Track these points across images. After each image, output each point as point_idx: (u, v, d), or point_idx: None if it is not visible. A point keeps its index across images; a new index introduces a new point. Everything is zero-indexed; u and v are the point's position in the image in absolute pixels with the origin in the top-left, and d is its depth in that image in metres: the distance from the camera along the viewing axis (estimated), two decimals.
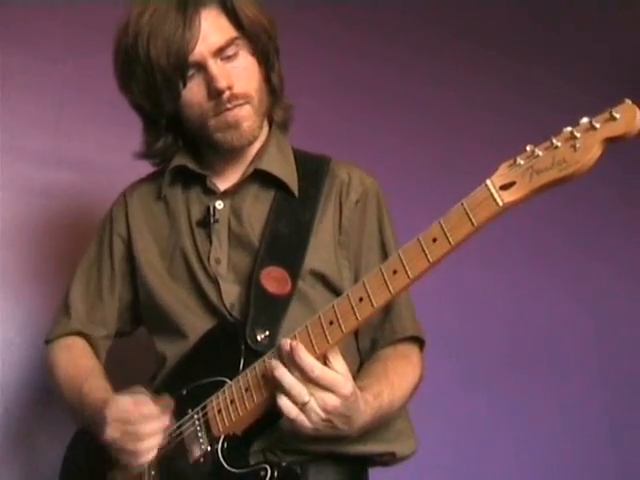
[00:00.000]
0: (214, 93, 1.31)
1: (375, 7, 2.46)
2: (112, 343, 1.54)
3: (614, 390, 2.60)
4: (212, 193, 1.42)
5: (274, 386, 1.16)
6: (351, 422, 1.17)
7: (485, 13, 2.61)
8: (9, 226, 1.97)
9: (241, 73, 1.34)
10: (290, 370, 1.14)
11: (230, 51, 1.33)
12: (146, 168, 1.55)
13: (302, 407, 1.13)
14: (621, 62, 2.76)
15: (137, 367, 1.52)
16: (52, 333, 1.53)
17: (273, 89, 1.42)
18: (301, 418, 1.13)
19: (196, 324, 1.37)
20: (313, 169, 1.44)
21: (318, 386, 1.13)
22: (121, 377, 1.43)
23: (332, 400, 1.13)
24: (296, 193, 1.39)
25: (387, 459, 1.35)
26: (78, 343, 1.50)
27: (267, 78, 1.40)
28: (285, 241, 1.35)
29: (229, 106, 1.32)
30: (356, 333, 1.37)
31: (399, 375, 1.30)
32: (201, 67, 1.31)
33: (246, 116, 1.34)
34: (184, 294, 1.40)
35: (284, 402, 1.14)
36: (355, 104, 2.40)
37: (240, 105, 1.33)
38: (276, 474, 1.18)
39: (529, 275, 2.54)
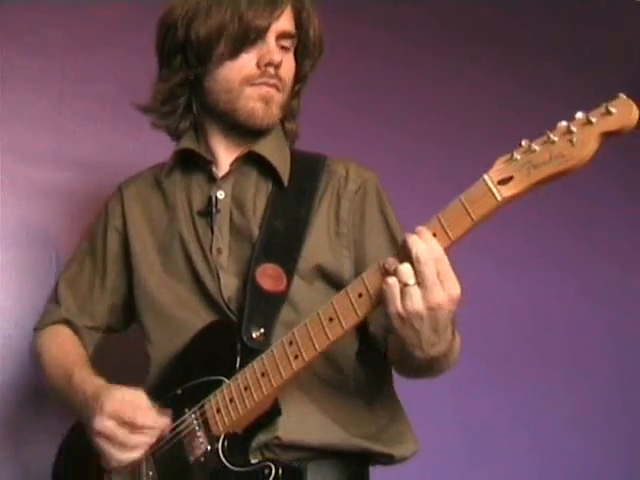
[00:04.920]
0: (264, 62, 1.36)
1: (380, 3, 2.47)
2: (106, 341, 1.54)
3: (631, 383, 2.59)
4: (213, 181, 1.42)
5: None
6: (435, 335, 1.07)
7: (489, 10, 2.62)
8: (9, 225, 1.98)
9: (287, 63, 1.41)
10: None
11: (286, 42, 1.40)
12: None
13: (403, 287, 1.05)
14: (626, 59, 2.78)
15: (131, 366, 1.50)
16: (41, 322, 1.55)
17: (290, 109, 1.47)
18: (394, 294, 1.05)
19: (190, 319, 1.36)
20: (309, 166, 1.44)
21: (429, 278, 1.04)
22: (115, 376, 1.41)
23: (439, 295, 1.03)
24: (285, 183, 1.40)
25: (386, 460, 1.35)
26: (65, 331, 1.51)
27: (291, 96, 1.46)
28: (281, 238, 1.35)
29: (270, 81, 1.37)
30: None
31: None
32: (263, 39, 1.36)
33: (276, 99, 1.39)
34: (180, 288, 1.39)
35: (390, 278, 1.06)
36: (358, 100, 2.40)
37: (277, 87, 1.39)
38: (280, 472, 1.18)
39: (542, 269, 2.53)
